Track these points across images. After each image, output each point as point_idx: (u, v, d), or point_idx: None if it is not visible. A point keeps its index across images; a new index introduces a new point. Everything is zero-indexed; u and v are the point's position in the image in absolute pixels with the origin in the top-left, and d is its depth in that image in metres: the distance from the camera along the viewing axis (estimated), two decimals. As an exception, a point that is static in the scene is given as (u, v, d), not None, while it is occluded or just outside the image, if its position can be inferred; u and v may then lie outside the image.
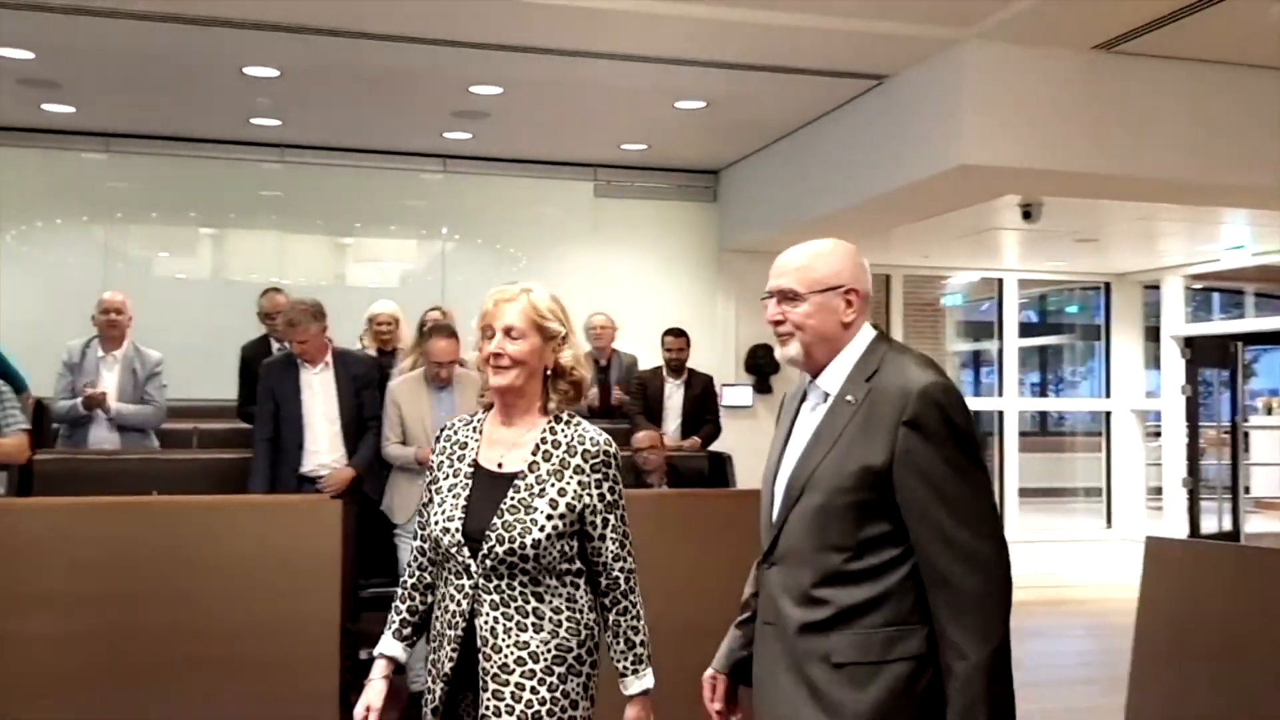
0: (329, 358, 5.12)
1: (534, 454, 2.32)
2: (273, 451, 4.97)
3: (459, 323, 5.80)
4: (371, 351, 6.02)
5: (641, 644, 2.38)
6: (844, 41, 5.29)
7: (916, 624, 1.93)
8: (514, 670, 2.23)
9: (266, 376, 5.13)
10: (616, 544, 2.34)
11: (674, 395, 6.73)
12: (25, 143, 7.37)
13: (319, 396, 5.07)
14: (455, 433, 2.43)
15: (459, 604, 2.28)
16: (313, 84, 6.27)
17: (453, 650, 2.28)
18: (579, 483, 2.30)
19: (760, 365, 8.38)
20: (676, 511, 4.82)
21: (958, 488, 1.93)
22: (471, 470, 2.35)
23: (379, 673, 2.39)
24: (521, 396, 2.35)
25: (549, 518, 2.25)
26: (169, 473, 5.17)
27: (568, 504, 2.27)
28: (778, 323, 2.11)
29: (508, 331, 2.31)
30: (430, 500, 2.38)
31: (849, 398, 2.02)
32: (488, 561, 2.25)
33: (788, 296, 2.09)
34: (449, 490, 2.34)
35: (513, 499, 2.27)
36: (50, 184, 7.61)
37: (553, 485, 2.28)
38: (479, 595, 2.26)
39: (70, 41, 5.53)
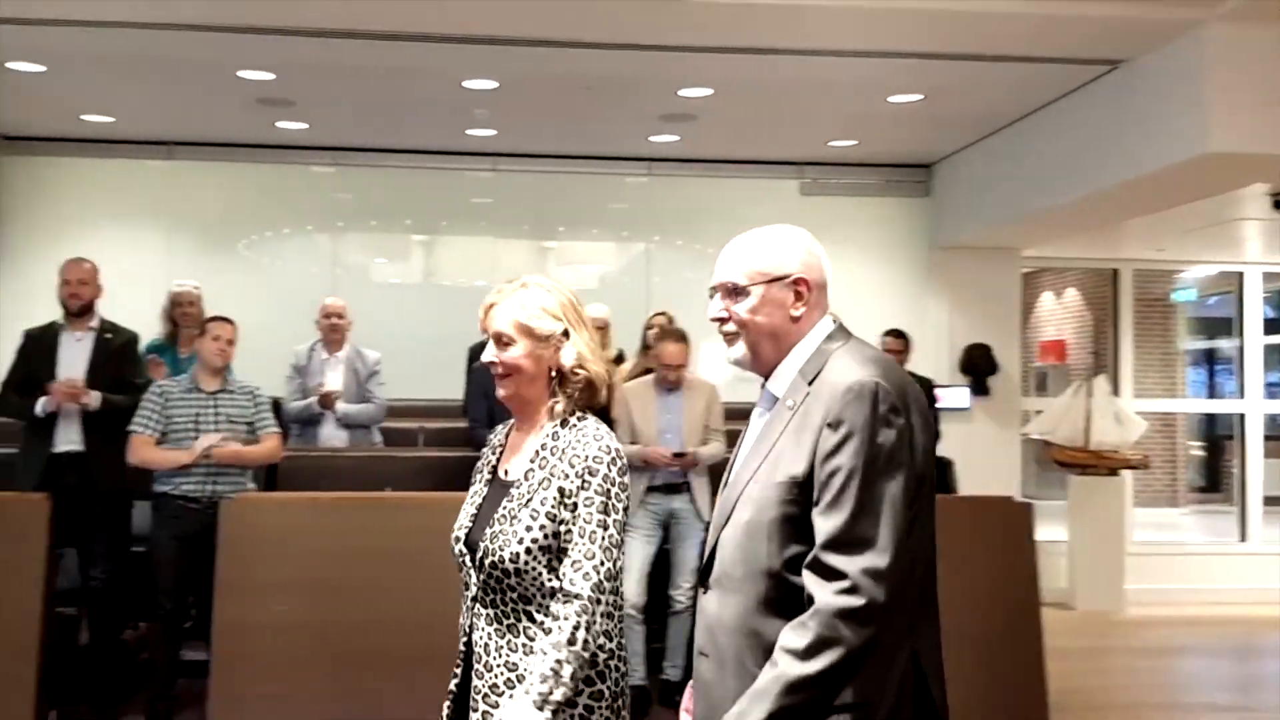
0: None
1: (531, 461, 2.19)
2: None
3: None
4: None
5: (545, 676, 2.02)
6: (1075, 27, 5.09)
7: None
8: (503, 692, 2.11)
9: (481, 379, 5.37)
10: (576, 569, 2.07)
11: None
12: (260, 158, 7.95)
13: None
14: (495, 436, 2.38)
15: (463, 616, 2.24)
16: (528, 94, 6.51)
17: (456, 666, 2.23)
18: (559, 490, 2.13)
19: (977, 366, 8.16)
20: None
21: (858, 498, 1.71)
22: (489, 478, 2.29)
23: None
24: (527, 403, 2.24)
25: (529, 529, 2.11)
26: (397, 470, 5.48)
27: (548, 514, 2.11)
28: (721, 320, 1.96)
29: (498, 339, 2.22)
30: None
31: (789, 402, 1.86)
32: (481, 575, 2.16)
33: (730, 291, 1.94)
34: (470, 498, 2.30)
35: (505, 509, 2.16)
36: (281, 196, 8.19)
37: (539, 495, 2.14)
38: (476, 609, 2.19)
39: (307, 62, 5.95)
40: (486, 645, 2.14)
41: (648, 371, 5.59)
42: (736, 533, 1.85)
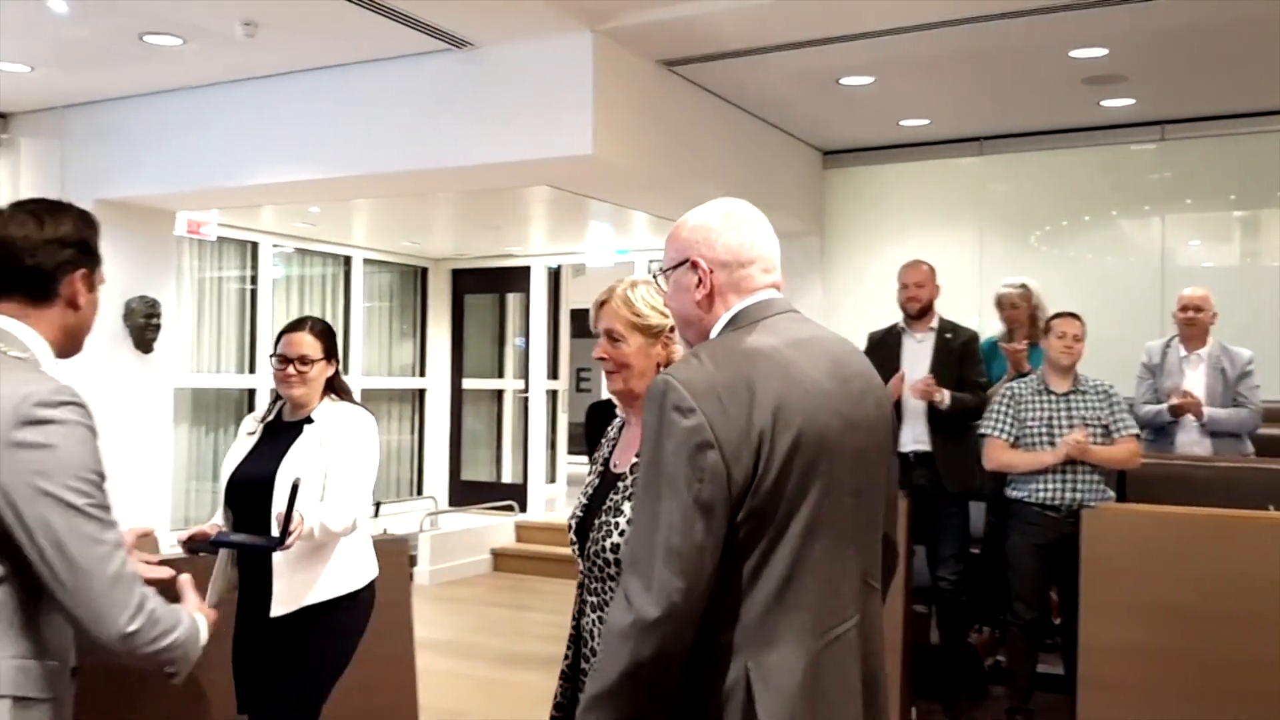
0: None
1: (638, 456, 2.13)
2: None
3: None
4: None
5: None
6: None
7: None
8: None
9: None
10: None
11: None
12: (1076, 143, 7.65)
13: None
14: (612, 429, 2.47)
15: (574, 602, 2.36)
16: None
17: (568, 649, 2.35)
18: None
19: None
20: None
21: (640, 506, 1.72)
22: (601, 469, 2.39)
23: None
24: (636, 397, 2.32)
25: (629, 522, 2.06)
26: (1271, 483, 4.81)
27: None
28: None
29: (608, 334, 2.33)
30: None
31: None
32: (587, 563, 2.27)
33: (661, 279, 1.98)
34: (584, 488, 2.41)
35: (611, 500, 2.26)
36: (1095, 181, 7.79)
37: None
38: (584, 595, 2.30)
39: (1143, 30, 5.53)
40: (592, 630, 2.26)
41: None
42: None
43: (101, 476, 1.77)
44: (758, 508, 1.70)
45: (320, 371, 3.35)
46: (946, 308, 5.42)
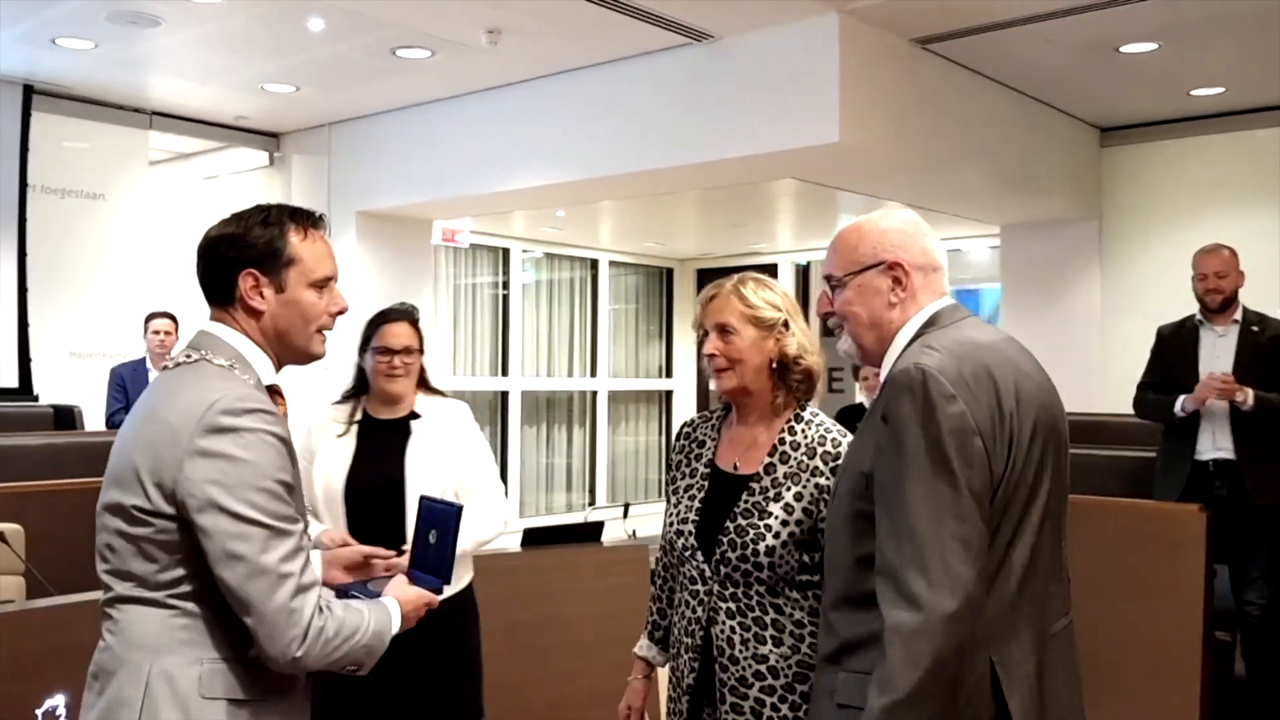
0: None
1: (770, 455, 2.26)
2: None
3: None
4: None
5: None
6: None
7: None
8: (753, 684, 2.18)
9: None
10: None
11: None
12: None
13: None
14: (694, 430, 2.44)
15: (695, 611, 2.27)
16: None
17: (692, 660, 2.26)
18: (817, 486, 2.20)
19: None
20: None
21: (909, 499, 1.66)
22: (708, 471, 2.33)
23: (636, 673, 2.48)
24: (750, 395, 2.30)
25: (784, 524, 2.18)
26: None
27: (804, 509, 2.19)
28: (827, 315, 1.97)
29: (721, 329, 2.28)
30: (669, 501, 2.39)
31: (878, 393, 1.82)
32: (721, 568, 2.22)
33: (832, 283, 1.93)
34: (685, 491, 2.34)
35: (746, 503, 2.23)
36: None
37: (789, 489, 2.21)
38: (714, 603, 2.23)
39: None
40: (730, 639, 2.20)
41: None
42: (829, 523, 1.93)
43: (285, 485, 1.71)
44: (1006, 497, 1.72)
45: (418, 363, 3.20)
46: (1250, 297, 4.89)
